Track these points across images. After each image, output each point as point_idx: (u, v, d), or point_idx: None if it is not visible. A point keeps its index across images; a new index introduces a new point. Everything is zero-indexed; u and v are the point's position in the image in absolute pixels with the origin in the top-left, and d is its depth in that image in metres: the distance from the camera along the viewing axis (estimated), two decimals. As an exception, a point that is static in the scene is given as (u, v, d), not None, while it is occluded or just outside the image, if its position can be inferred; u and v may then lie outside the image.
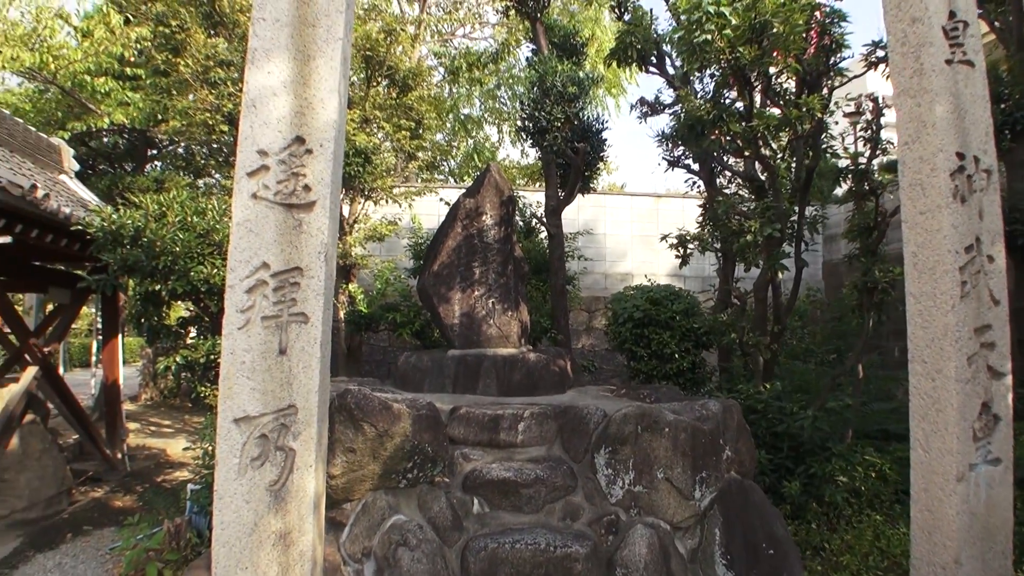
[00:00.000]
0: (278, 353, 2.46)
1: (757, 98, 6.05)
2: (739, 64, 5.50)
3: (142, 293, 5.24)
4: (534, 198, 10.22)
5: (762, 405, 5.47)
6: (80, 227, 5.13)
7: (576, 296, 10.32)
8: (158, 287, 4.96)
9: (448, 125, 17.35)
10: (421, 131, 8.79)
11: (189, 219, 5.10)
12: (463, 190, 6.04)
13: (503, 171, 6.37)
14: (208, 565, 4.52)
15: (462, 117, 18.37)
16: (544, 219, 8.10)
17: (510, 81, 17.84)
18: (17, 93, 13.30)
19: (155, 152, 15.27)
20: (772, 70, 5.94)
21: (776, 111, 5.98)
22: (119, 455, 7.93)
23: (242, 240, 2.51)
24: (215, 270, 5.04)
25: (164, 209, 5.23)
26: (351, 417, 3.69)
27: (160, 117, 10.95)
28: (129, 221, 4.98)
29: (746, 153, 6.25)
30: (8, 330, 6.51)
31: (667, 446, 4.13)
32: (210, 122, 7.08)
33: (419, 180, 11.84)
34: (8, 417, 5.76)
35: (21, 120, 8.65)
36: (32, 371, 6.22)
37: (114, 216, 4.97)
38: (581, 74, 7.21)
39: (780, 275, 5.92)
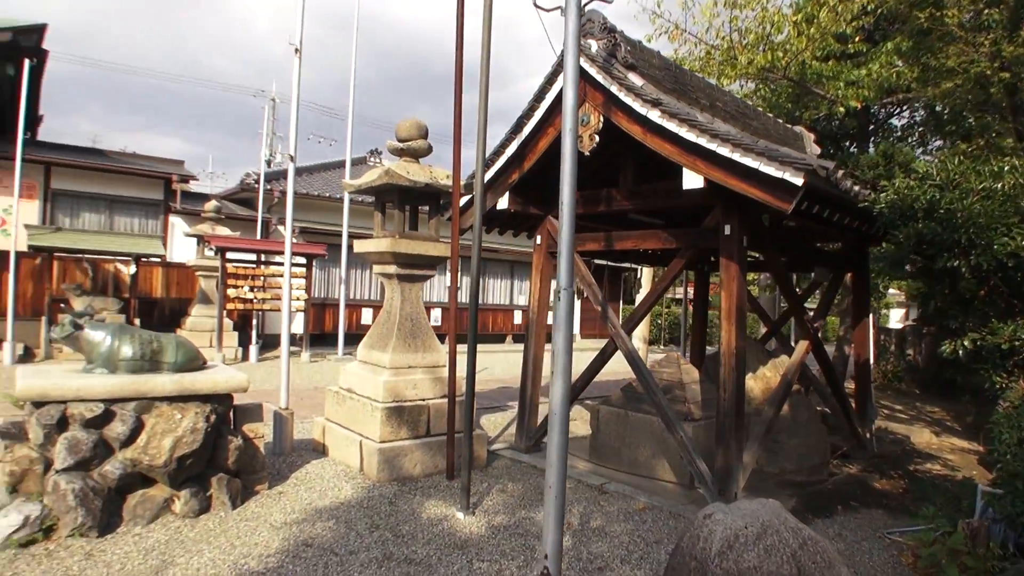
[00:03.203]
0: None
1: None
2: None
3: (929, 270, 4.87)
4: None
5: None
6: (866, 204, 5.08)
7: None
8: (956, 263, 4.51)
9: None
10: None
11: (990, 185, 4.47)
12: None
13: None
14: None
15: None
16: None
17: None
18: (746, 93, 14.78)
19: (873, 128, 15.04)
20: None
21: None
22: (867, 435, 7.85)
23: None
24: (1023, 241, 4.28)
25: (955, 176, 4.72)
26: None
27: (888, 87, 10.55)
28: (920, 193, 4.66)
29: None
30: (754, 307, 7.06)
31: None
32: (987, 72, 6.23)
33: None
34: (787, 385, 6.20)
35: (771, 114, 9.45)
36: (804, 345, 6.59)
37: (905, 190, 4.73)
38: None
39: None
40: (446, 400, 5.69)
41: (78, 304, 12.02)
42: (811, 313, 7.77)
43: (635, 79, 5.51)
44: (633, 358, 5.97)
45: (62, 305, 12.20)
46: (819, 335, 7.19)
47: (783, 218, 6.77)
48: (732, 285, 5.34)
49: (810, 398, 7.39)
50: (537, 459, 6.51)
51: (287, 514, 4.68)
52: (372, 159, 23.35)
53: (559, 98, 5.96)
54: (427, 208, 6.32)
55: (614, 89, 5.51)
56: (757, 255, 8.14)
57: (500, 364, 15.27)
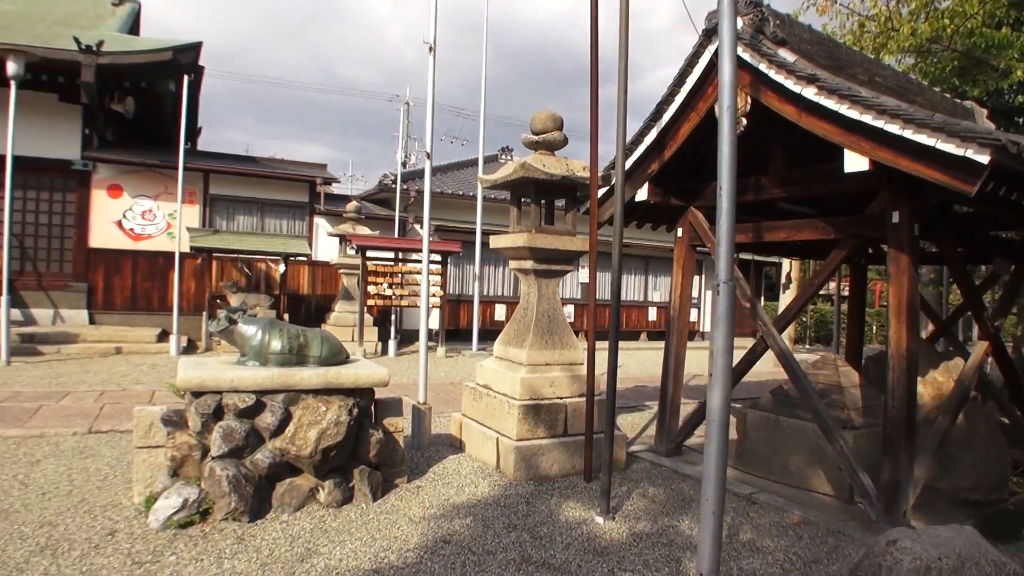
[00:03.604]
0: None
1: None
2: None
3: None
4: None
5: None
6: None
7: None
8: None
9: None
10: None
11: None
12: None
13: None
14: None
15: None
16: None
17: None
18: (905, 68, 13.56)
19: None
20: None
21: None
22: (1054, 449, 6.92)
23: None
24: None
25: None
26: None
27: None
28: None
29: None
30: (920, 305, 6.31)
31: None
32: None
33: None
34: (963, 391, 5.54)
35: (937, 89, 8.60)
36: (983, 346, 5.88)
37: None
38: None
39: None
40: (584, 399, 5.52)
41: (234, 300, 12.85)
42: (988, 311, 6.96)
43: (786, 55, 5.09)
44: (787, 359, 5.53)
45: (219, 301, 13.10)
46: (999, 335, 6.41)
47: (956, 203, 6.10)
48: (902, 279, 4.81)
49: (987, 406, 6.60)
50: (678, 463, 6.21)
51: (425, 509, 4.67)
52: (503, 156, 23.56)
53: (701, 80, 5.69)
54: (563, 202, 6.16)
55: (763, 67, 5.12)
56: (926, 245, 7.41)
57: (635, 362, 14.92)
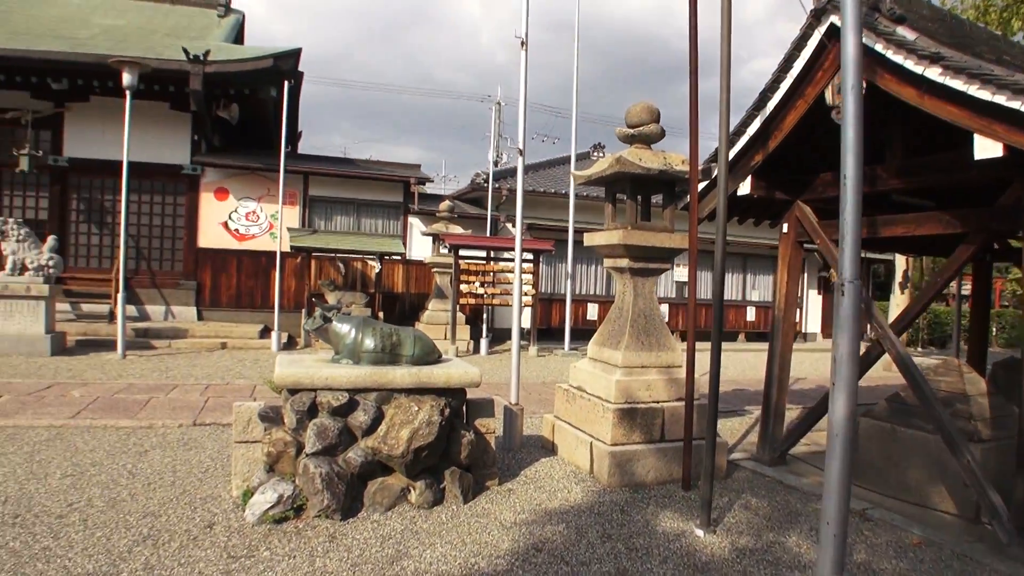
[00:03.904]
0: None
1: None
2: None
3: None
4: None
5: None
6: None
7: None
8: None
9: None
10: None
11: None
12: None
13: None
14: None
15: None
16: None
17: None
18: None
19: None
20: None
21: None
22: None
23: None
24: None
25: None
26: None
27: None
28: None
29: None
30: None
31: None
32: None
33: None
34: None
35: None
36: None
37: None
38: None
39: None
40: (682, 403, 5.26)
41: (331, 298, 13.18)
42: None
43: (905, 33, 4.67)
44: (906, 364, 5.09)
45: (313, 300, 13.46)
46: None
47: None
48: (1044, 277, 4.32)
49: None
50: (783, 473, 5.85)
51: (516, 513, 4.54)
52: (595, 153, 23.27)
53: (810, 65, 5.32)
54: (660, 197, 5.91)
55: (879, 47, 4.72)
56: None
57: (733, 364, 14.36)
